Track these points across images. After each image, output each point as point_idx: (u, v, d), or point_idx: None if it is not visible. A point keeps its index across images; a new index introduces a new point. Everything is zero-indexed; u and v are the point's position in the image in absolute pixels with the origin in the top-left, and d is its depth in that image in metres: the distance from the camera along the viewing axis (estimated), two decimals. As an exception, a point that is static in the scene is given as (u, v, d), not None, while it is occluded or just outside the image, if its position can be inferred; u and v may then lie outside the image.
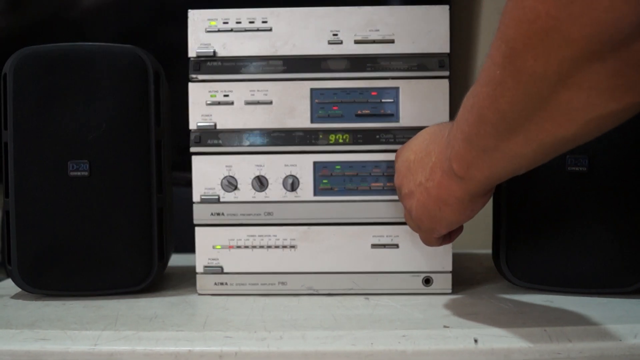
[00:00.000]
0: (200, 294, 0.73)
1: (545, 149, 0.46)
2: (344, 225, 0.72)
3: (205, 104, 0.72)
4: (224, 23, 0.72)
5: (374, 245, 0.72)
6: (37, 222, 0.70)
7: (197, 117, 0.72)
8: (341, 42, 0.72)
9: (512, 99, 0.43)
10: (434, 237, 0.63)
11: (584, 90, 0.40)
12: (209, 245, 0.73)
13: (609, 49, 0.38)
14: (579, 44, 0.38)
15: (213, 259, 0.73)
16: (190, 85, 0.72)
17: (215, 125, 0.72)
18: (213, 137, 0.72)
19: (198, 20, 0.72)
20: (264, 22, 0.72)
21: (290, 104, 0.72)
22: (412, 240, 0.71)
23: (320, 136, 0.72)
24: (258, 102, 0.72)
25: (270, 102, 0.72)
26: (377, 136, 0.72)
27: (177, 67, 0.77)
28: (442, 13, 0.71)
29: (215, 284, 0.73)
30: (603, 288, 0.69)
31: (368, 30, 0.72)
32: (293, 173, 0.72)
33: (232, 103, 0.72)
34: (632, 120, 0.45)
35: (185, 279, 0.80)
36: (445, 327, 0.59)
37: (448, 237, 0.65)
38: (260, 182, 0.72)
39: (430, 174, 0.57)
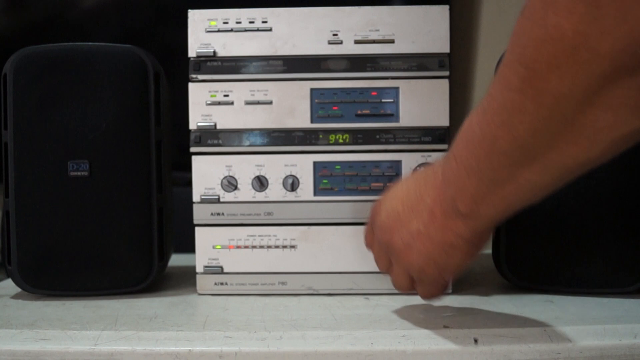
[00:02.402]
0: (200, 294, 0.73)
1: (565, 175, 0.44)
2: (344, 225, 0.72)
3: (205, 104, 0.72)
4: (224, 23, 0.72)
5: (374, 245, 0.72)
6: (37, 222, 0.70)
7: (197, 117, 0.72)
8: (341, 42, 0.72)
9: (532, 124, 0.41)
10: (438, 287, 0.59)
11: (612, 109, 0.39)
12: (209, 245, 0.73)
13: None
14: (609, 59, 0.37)
15: (213, 259, 0.73)
16: (190, 85, 0.72)
17: (215, 125, 0.72)
18: (213, 137, 0.72)
19: (198, 20, 0.72)
20: (264, 22, 0.72)
21: (290, 104, 0.72)
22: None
23: (320, 136, 0.72)
24: (258, 102, 0.72)
25: (270, 102, 0.72)
26: (377, 136, 0.72)
27: (177, 67, 0.77)
28: (442, 13, 0.71)
29: (215, 284, 0.73)
30: (603, 288, 0.69)
31: (368, 30, 0.72)
32: (293, 173, 0.72)
33: (232, 103, 0.72)
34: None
35: (185, 279, 0.80)
36: (445, 327, 0.58)
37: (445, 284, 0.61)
38: (260, 182, 0.72)
39: (430, 218, 0.52)
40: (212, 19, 0.72)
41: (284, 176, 0.72)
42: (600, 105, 0.39)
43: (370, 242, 0.63)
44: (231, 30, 0.72)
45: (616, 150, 0.42)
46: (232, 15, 0.72)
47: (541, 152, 0.42)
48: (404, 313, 0.64)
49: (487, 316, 0.62)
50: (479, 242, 0.53)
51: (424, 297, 0.61)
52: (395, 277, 0.60)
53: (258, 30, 0.72)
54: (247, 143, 0.72)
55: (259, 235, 0.73)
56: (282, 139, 0.72)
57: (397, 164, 0.72)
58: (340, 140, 0.72)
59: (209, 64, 0.72)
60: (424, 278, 0.57)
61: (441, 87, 0.71)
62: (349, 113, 0.72)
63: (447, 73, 0.71)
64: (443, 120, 0.71)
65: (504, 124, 0.43)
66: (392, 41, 0.71)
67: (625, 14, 0.35)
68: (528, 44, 0.40)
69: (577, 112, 0.39)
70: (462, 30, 1.33)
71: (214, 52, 0.72)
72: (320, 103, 0.72)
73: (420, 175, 0.56)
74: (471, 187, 0.48)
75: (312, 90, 0.72)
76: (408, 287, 0.59)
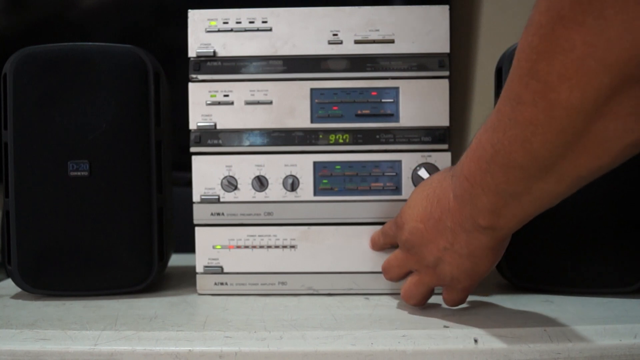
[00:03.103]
0: (200, 294, 0.73)
1: (579, 183, 0.45)
2: (344, 225, 0.72)
3: (205, 104, 0.72)
4: (224, 23, 0.72)
5: (374, 245, 0.72)
6: (37, 222, 0.70)
7: (197, 117, 0.72)
8: (341, 42, 0.72)
9: (545, 137, 0.42)
10: (466, 294, 0.63)
11: (621, 117, 0.40)
12: (209, 245, 0.73)
13: None
14: (616, 70, 0.37)
15: (213, 259, 0.73)
16: (190, 85, 0.72)
17: (215, 125, 0.72)
18: (213, 137, 0.72)
19: (198, 20, 0.72)
20: (264, 22, 0.72)
21: (290, 104, 0.72)
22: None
23: (320, 136, 0.72)
24: (258, 102, 0.72)
25: (270, 102, 0.72)
26: (377, 136, 0.72)
27: (177, 67, 0.78)
28: (442, 13, 0.71)
29: (215, 284, 0.73)
30: (603, 288, 0.69)
31: (368, 30, 0.72)
32: (293, 173, 0.72)
33: (232, 103, 0.72)
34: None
35: (185, 279, 0.80)
36: (445, 327, 0.58)
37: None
38: (260, 182, 0.72)
39: (453, 237, 0.56)
40: (212, 19, 0.72)
41: (284, 176, 0.72)
42: (608, 114, 0.40)
43: (378, 247, 0.70)
44: (231, 30, 0.72)
45: (627, 156, 0.43)
46: (232, 15, 0.72)
47: (555, 163, 0.44)
48: (404, 313, 0.64)
49: (487, 316, 0.62)
50: (502, 247, 0.57)
51: (451, 302, 0.64)
52: (416, 286, 0.63)
53: (258, 30, 0.72)
54: (247, 143, 0.72)
55: (259, 235, 0.73)
56: (282, 139, 0.72)
57: (397, 164, 0.72)
58: (340, 140, 0.72)
59: (209, 64, 0.72)
60: (456, 286, 0.61)
61: (441, 87, 0.71)
62: (349, 113, 0.72)
63: (447, 73, 0.71)
64: (443, 120, 0.71)
65: (517, 138, 0.44)
66: (392, 41, 0.71)
67: (631, 25, 0.36)
68: (539, 58, 0.40)
69: (588, 123, 0.40)
70: (462, 30, 1.33)
71: (214, 52, 0.72)
72: (320, 103, 0.72)
73: (432, 195, 0.59)
74: (489, 204, 0.50)
75: (312, 90, 0.72)
76: (424, 297, 0.64)
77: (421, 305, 0.65)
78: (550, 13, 0.40)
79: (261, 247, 0.73)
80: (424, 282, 0.63)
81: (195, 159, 0.73)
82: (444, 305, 0.66)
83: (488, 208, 0.50)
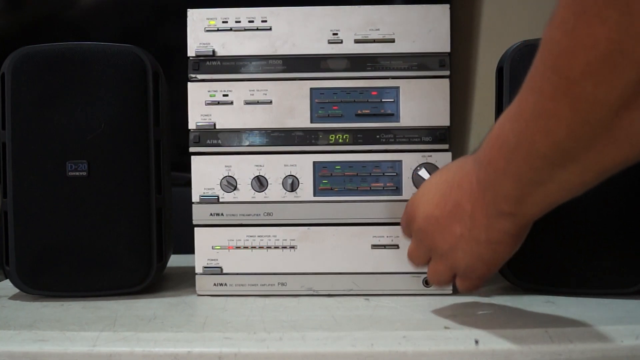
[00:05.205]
0: (199, 295, 0.73)
1: (604, 174, 0.45)
2: (344, 226, 0.72)
3: (204, 103, 0.72)
4: (223, 22, 0.72)
5: (374, 246, 0.72)
6: (36, 222, 0.70)
7: (197, 116, 0.72)
8: (341, 42, 0.71)
9: (569, 129, 0.42)
10: (482, 281, 0.61)
11: None
12: (208, 245, 0.73)
13: None
14: None
15: (212, 260, 0.73)
16: (190, 84, 0.72)
17: (214, 125, 0.72)
18: (212, 137, 0.72)
19: (197, 20, 0.72)
20: (263, 21, 0.72)
21: (290, 103, 0.72)
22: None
23: (320, 136, 0.72)
24: (257, 102, 0.72)
25: (270, 102, 0.72)
26: (378, 136, 0.72)
27: (177, 67, 0.77)
28: (442, 12, 0.71)
29: (215, 284, 0.73)
30: (604, 289, 0.69)
31: (368, 30, 0.71)
32: (293, 173, 0.72)
33: (231, 103, 0.72)
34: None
35: (185, 280, 0.80)
36: (446, 328, 0.58)
37: None
38: (260, 182, 0.72)
39: (472, 223, 0.55)
40: (211, 18, 0.72)
41: (283, 176, 0.72)
42: (636, 108, 0.39)
43: (407, 235, 0.66)
44: (230, 30, 0.72)
45: None
46: (232, 14, 0.72)
47: (579, 154, 0.43)
48: (405, 314, 0.64)
49: (488, 317, 0.62)
50: (523, 234, 0.55)
51: (465, 290, 0.62)
52: (434, 272, 0.62)
53: (257, 29, 0.72)
54: (247, 143, 0.72)
55: (259, 236, 0.72)
56: (281, 138, 0.72)
57: (398, 164, 0.71)
58: (340, 140, 0.72)
59: (208, 63, 0.72)
60: (470, 274, 0.59)
61: (442, 87, 0.71)
62: (349, 113, 0.72)
63: (447, 73, 0.71)
64: (443, 120, 0.71)
65: (541, 130, 0.44)
66: (392, 40, 0.71)
67: None
68: (560, 53, 0.40)
69: (614, 116, 0.40)
70: (463, 29, 1.33)
71: (213, 52, 0.72)
72: (320, 103, 0.72)
73: (449, 179, 0.58)
74: (512, 190, 0.49)
75: (312, 89, 0.72)
76: (448, 281, 0.62)
77: (449, 284, 0.65)
78: (573, 7, 0.39)
79: (261, 247, 0.72)
80: (439, 271, 0.61)
81: (194, 159, 0.72)
82: (445, 306, 0.66)
83: (511, 194, 0.50)
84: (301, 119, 0.72)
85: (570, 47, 0.39)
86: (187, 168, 0.72)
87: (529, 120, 0.45)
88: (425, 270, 0.69)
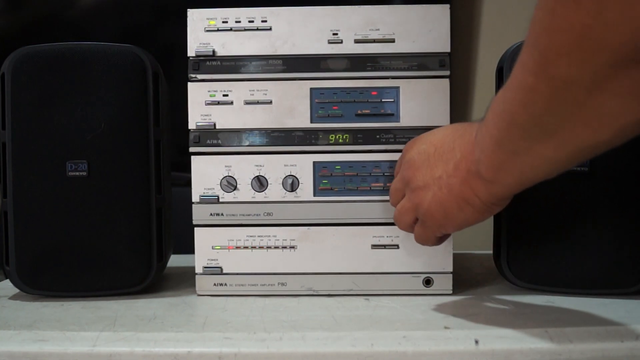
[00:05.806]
0: (199, 295, 0.73)
1: (579, 154, 0.46)
2: (344, 226, 0.72)
3: (204, 103, 0.72)
4: (223, 22, 0.72)
5: (374, 246, 0.72)
6: (35, 222, 0.70)
7: (197, 116, 0.72)
8: (341, 42, 0.71)
9: (546, 104, 0.44)
10: (436, 235, 0.62)
11: (620, 96, 0.41)
12: (208, 245, 0.73)
13: None
14: (615, 51, 0.38)
15: (212, 260, 0.73)
16: (190, 84, 0.72)
17: (214, 125, 0.72)
18: (212, 137, 0.72)
19: (197, 20, 0.72)
20: (263, 21, 0.72)
21: (290, 103, 0.72)
22: (413, 241, 0.71)
23: (320, 136, 0.72)
24: (257, 102, 0.72)
25: (270, 102, 0.72)
26: (378, 136, 0.72)
27: (177, 67, 0.77)
28: (442, 12, 0.71)
29: (215, 284, 0.73)
30: (604, 289, 0.69)
31: (368, 30, 0.71)
32: (293, 173, 0.72)
33: (231, 103, 0.72)
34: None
35: (185, 280, 0.80)
36: (446, 328, 0.58)
37: (443, 237, 0.64)
38: (260, 182, 0.72)
39: (454, 170, 0.56)
40: (211, 18, 0.72)
41: (283, 176, 0.72)
42: (607, 92, 0.41)
43: (397, 170, 0.67)
44: (230, 30, 0.72)
45: (627, 136, 0.44)
46: (232, 14, 0.72)
47: (555, 130, 0.45)
48: (405, 314, 0.64)
49: (488, 317, 0.62)
50: (491, 207, 0.56)
51: (418, 238, 0.64)
52: (400, 209, 0.64)
53: (257, 29, 0.72)
54: (247, 143, 0.72)
55: (259, 236, 0.72)
56: (281, 138, 0.72)
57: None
58: (340, 140, 0.72)
59: (208, 63, 0.72)
60: (427, 221, 0.60)
61: (442, 87, 0.71)
62: (349, 113, 0.72)
63: (447, 73, 0.71)
64: (443, 120, 0.71)
65: (521, 102, 0.46)
66: (392, 40, 0.71)
67: (629, 10, 0.37)
68: (541, 32, 0.42)
69: (587, 97, 0.41)
70: (463, 29, 1.33)
71: (213, 52, 0.72)
72: (320, 103, 0.72)
73: (461, 127, 0.59)
74: (493, 154, 0.51)
75: (312, 89, 0.72)
76: (408, 225, 0.64)
77: (409, 230, 0.65)
78: None
79: (261, 247, 0.72)
80: (404, 208, 0.63)
81: (194, 159, 0.72)
82: (445, 306, 0.66)
83: (492, 159, 0.51)
84: (301, 119, 0.72)
85: (548, 27, 0.41)
86: (187, 168, 0.72)
87: (513, 91, 0.46)
88: (424, 270, 0.70)
